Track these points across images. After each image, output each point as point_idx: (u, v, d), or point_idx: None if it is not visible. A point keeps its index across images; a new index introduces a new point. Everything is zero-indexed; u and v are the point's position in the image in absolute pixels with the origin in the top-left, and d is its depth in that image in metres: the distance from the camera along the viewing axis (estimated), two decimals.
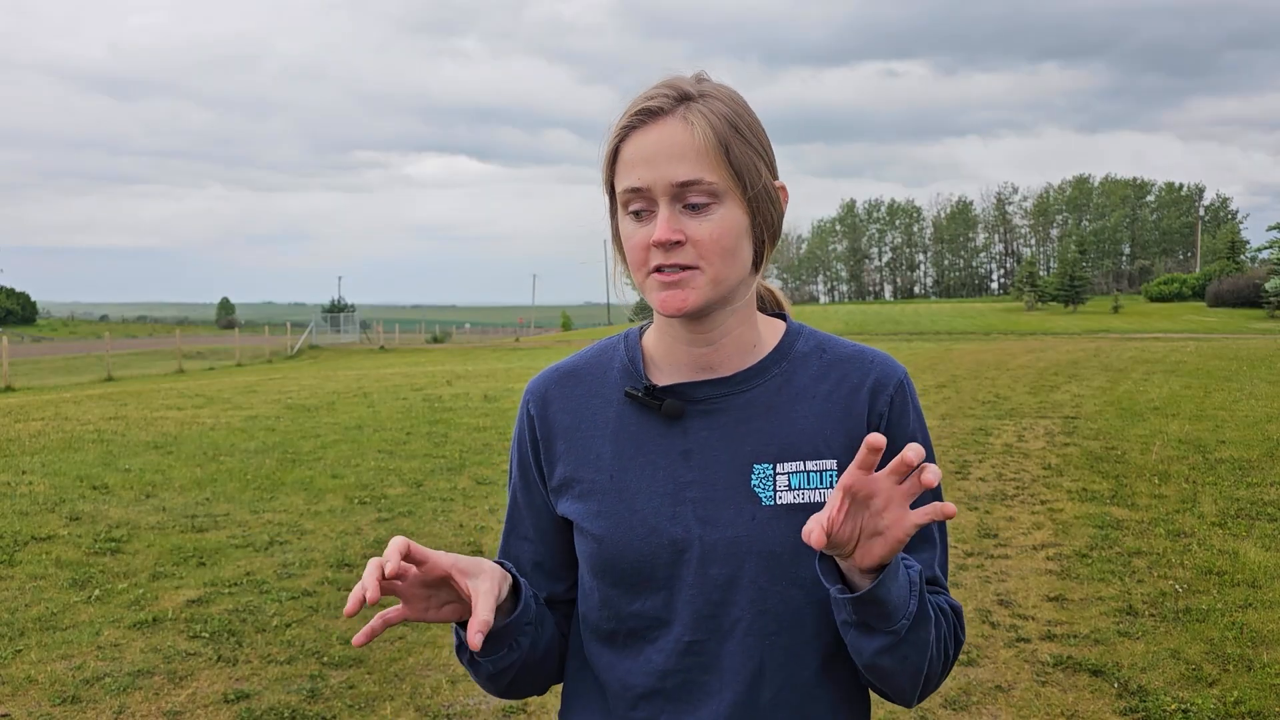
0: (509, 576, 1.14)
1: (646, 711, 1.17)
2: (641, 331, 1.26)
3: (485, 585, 1.05)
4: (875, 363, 1.19)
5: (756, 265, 1.16)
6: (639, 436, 1.18)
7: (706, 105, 1.09)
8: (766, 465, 1.14)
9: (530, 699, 3.83)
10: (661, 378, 1.20)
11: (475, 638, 0.98)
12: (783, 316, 1.26)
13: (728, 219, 1.09)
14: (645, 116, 1.09)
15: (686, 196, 1.08)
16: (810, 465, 1.14)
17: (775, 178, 1.15)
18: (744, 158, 1.10)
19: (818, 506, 1.12)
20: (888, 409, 1.17)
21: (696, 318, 1.13)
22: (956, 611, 1.18)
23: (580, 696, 1.24)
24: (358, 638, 1.00)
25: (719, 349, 1.17)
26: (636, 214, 1.10)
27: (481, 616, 1.00)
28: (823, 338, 1.23)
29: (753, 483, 1.14)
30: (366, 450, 9.87)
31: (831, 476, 1.14)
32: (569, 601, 1.27)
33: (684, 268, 1.09)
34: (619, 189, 1.11)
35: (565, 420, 1.23)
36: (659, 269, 1.09)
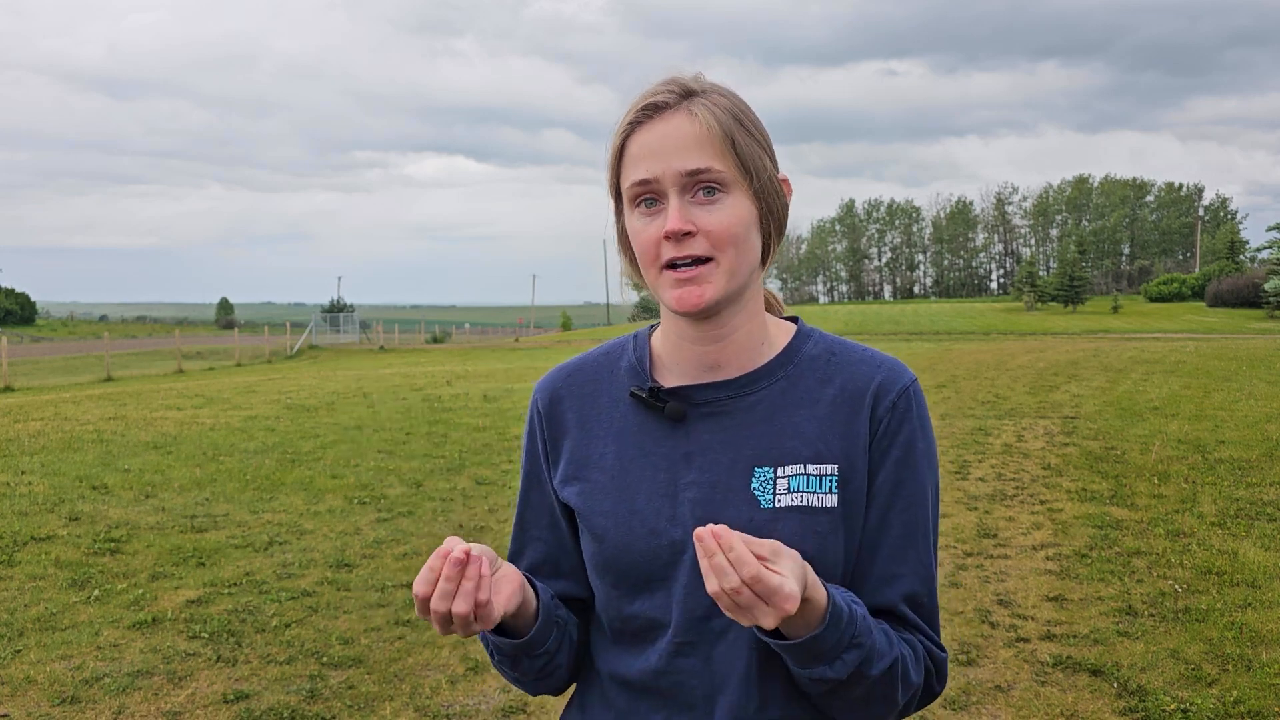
0: (526, 583, 1.15)
1: (642, 711, 1.17)
2: (651, 332, 1.26)
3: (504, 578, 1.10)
4: (882, 368, 1.17)
5: (763, 259, 1.17)
6: (642, 437, 1.18)
7: (709, 100, 1.11)
8: (768, 469, 1.13)
9: (529, 700, 3.83)
10: (668, 378, 1.20)
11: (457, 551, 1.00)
12: (795, 320, 1.25)
13: (737, 208, 1.09)
14: (650, 112, 1.10)
15: (696, 186, 1.08)
16: (811, 469, 1.13)
17: (777, 171, 1.16)
18: (749, 149, 1.10)
19: (816, 510, 1.12)
20: (888, 415, 1.14)
21: (709, 315, 1.13)
22: (935, 660, 1.15)
23: (587, 694, 1.26)
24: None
25: (726, 346, 1.16)
26: (646, 207, 1.10)
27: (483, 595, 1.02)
28: (833, 341, 1.21)
29: (753, 485, 1.13)
30: (366, 450, 9.87)
31: (832, 481, 1.12)
32: (581, 600, 1.28)
33: (698, 260, 1.08)
34: (626, 184, 1.11)
35: (572, 418, 1.24)
36: (672, 265, 1.09)
